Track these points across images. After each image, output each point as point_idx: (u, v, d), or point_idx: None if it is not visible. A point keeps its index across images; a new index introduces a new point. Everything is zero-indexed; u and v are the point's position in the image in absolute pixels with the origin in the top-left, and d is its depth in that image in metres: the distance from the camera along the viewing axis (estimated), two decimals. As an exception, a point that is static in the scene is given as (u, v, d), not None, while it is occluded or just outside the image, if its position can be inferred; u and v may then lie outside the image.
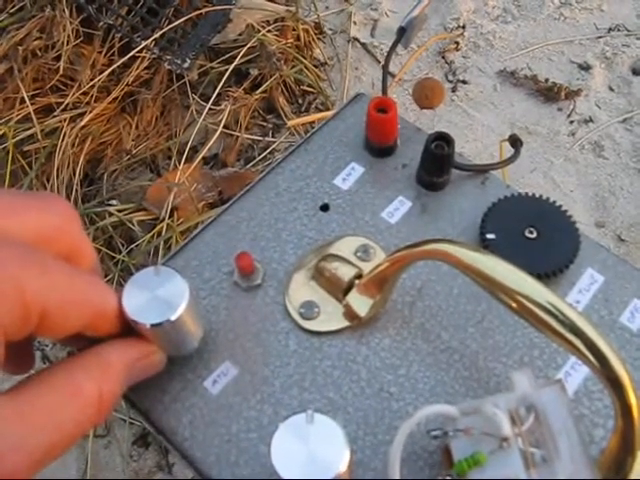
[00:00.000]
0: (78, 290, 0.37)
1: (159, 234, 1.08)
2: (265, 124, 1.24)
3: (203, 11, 1.13)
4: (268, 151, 1.21)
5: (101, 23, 1.05)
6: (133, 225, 1.07)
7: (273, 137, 1.23)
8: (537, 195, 0.53)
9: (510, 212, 0.52)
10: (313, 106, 1.26)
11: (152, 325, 0.41)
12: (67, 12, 1.04)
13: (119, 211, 1.09)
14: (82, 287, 0.38)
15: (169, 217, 1.06)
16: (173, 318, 0.41)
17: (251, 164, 1.19)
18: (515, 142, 0.58)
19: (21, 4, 1.07)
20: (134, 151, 1.17)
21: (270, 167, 0.57)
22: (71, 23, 1.04)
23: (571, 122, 1.23)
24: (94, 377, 0.37)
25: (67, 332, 0.37)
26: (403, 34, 0.59)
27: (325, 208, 0.54)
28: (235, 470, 0.44)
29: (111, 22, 1.07)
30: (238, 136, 1.19)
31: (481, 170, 0.56)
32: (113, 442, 1.04)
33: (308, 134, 0.59)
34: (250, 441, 0.45)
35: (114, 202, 1.13)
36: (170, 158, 1.21)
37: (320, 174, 0.56)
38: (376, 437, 0.45)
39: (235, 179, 1.15)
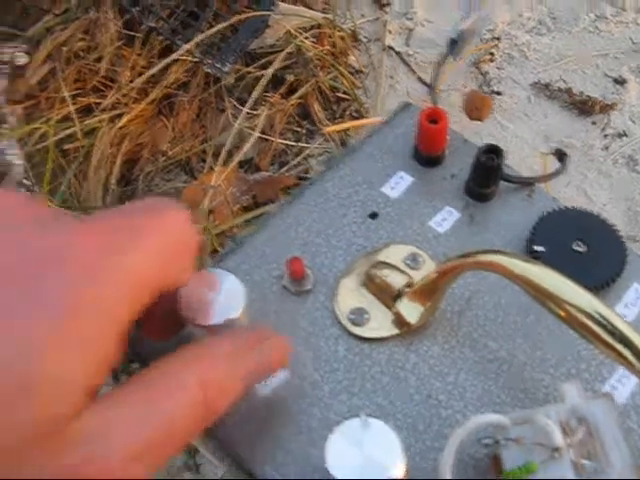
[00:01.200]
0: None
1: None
2: (299, 130, 1.25)
3: (243, 17, 1.14)
4: (302, 157, 1.22)
5: (143, 26, 1.06)
6: (168, 226, 1.07)
7: (307, 143, 1.24)
8: (585, 209, 0.54)
9: (558, 225, 0.53)
10: (347, 113, 1.27)
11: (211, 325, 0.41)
12: (111, 14, 1.06)
13: (155, 212, 1.09)
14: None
15: (204, 220, 1.07)
16: (233, 317, 0.41)
17: (285, 169, 1.20)
18: (562, 156, 0.58)
19: (66, 6, 1.09)
20: (170, 153, 1.18)
21: (319, 174, 0.58)
22: (115, 25, 1.05)
23: (605, 136, 1.22)
24: (192, 364, 0.35)
25: None
26: (454, 46, 0.60)
27: (374, 216, 0.55)
28: (283, 471, 0.45)
29: (153, 25, 1.08)
30: (272, 141, 1.20)
31: (528, 183, 0.57)
32: (142, 440, 1.05)
33: (357, 142, 0.60)
34: (299, 443, 0.46)
35: (149, 203, 1.13)
36: (204, 161, 1.22)
37: (369, 182, 0.57)
38: (424, 444, 0.45)
39: (269, 183, 1.15)
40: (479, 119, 0.59)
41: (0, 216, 0.32)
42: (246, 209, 1.14)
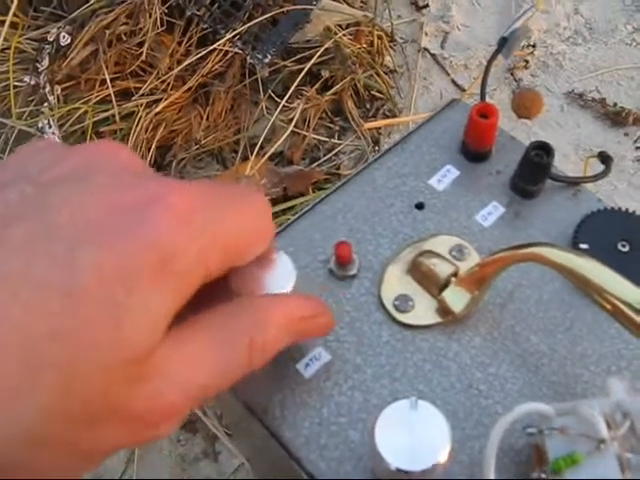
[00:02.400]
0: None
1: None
2: (332, 126, 1.26)
3: (285, 9, 1.15)
4: (333, 153, 1.23)
5: (188, 13, 1.07)
6: (200, 213, 1.08)
7: (339, 139, 1.24)
8: (631, 211, 0.54)
9: (603, 225, 0.53)
10: (380, 112, 1.27)
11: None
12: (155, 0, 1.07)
13: (187, 199, 1.10)
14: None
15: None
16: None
17: (316, 164, 1.21)
18: (605, 159, 0.59)
19: (112, -11, 1.10)
20: (203, 141, 1.19)
21: (367, 163, 0.58)
22: (159, 9, 1.06)
23: (637, 148, 1.23)
24: (246, 324, 0.37)
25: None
26: (504, 44, 0.60)
27: (420, 206, 0.56)
28: (324, 452, 0.46)
29: (197, 12, 1.09)
30: (305, 135, 1.21)
31: (574, 182, 0.57)
32: (162, 425, 1.06)
33: (406, 134, 0.60)
34: (340, 425, 0.46)
35: (181, 190, 1.15)
36: (236, 151, 1.23)
37: (416, 173, 0.57)
38: (464, 431, 0.46)
39: (300, 177, 1.16)
40: (527, 118, 0.59)
41: (109, 160, 0.34)
42: (275, 201, 1.15)
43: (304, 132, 1.21)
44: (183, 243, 0.31)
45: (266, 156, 1.13)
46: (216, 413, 1.03)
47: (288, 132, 1.16)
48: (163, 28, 1.12)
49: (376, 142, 1.23)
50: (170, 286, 0.31)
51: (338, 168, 1.21)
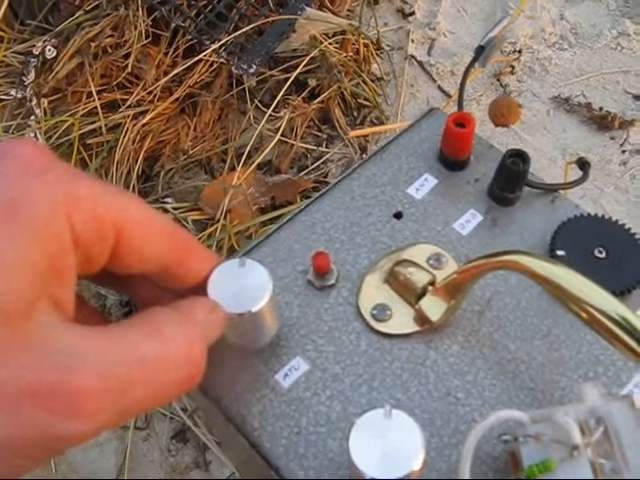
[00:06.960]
0: (155, 217, 0.37)
1: (209, 235, 1.10)
2: (320, 134, 1.26)
3: (270, 20, 1.15)
4: (321, 161, 1.23)
5: (173, 24, 1.08)
6: (187, 223, 1.09)
7: (327, 147, 1.25)
8: (607, 217, 0.54)
9: (580, 231, 0.53)
10: (368, 120, 1.28)
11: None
12: (140, 12, 1.07)
13: (174, 209, 1.11)
14: (159, 217, 0.38)
15: (223, 219, 1.08)
16: (254, 310, 0.42)
17: (304, 172, 1.21)
18: (584, 165, 0.59)
19: (97, 2, 1.11)
20: (191, 152, 1.19)
21: (345, 173, 0.59)
22: (144, 22, 1.07)
23: (623, 152, 1.23)
24: (178, 323, 0.36)
25: (145, 263, 0.37)
26: (481, 53, 0.60)
27: (399, 216, 0.56)
28: (303, 462, 0.46)
29: (182, 24, 1.10)
30: (293, 144, 1.21)
31: (551, 189, 0.57)
32: (152, 435, 1.06)
33: (384, 144, 0.60)
34: (319, 435, 0.47)
35: (169, 200, 1.15)
36: (224, 161, 1.23)
37: (394, 183, 0.58)
38: (441, 439, 0.46)
39: (288, 186, 1.17)
40: (505, 125, 0.60)
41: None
42: (263, 210, 1.15)
43: (291, 141, 1.21)
44: (31, 191, 0.31)
45: (254, 165, 1.13)
46: (207, 423, 1.03)
47: (275, 141, 1.17)
48: (149, 40, 1.12)
49: (363, 150, 1.24)
50: (22, 233, 0.30)
51: (326, 176, 1.21)
